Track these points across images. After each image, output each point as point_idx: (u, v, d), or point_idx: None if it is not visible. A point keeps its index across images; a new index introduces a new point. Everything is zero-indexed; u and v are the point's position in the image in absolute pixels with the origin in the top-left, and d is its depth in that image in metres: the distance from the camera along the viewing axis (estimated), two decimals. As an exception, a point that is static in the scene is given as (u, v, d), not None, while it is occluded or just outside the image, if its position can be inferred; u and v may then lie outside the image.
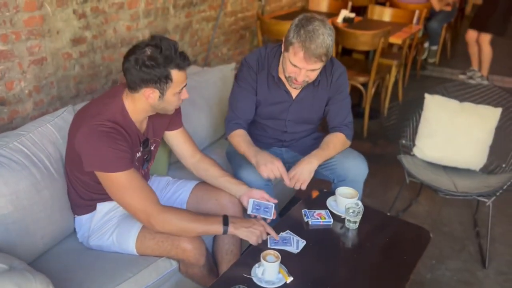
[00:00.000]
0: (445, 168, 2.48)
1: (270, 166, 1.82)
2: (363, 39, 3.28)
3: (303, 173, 1.83)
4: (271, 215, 1.73)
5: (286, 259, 1.51)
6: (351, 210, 1.70)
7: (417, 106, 2.58)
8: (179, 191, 1.93)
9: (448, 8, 4.91)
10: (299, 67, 1.78)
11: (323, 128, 2.16)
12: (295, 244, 1.61)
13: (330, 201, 1.84)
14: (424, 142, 2.48)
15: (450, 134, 2.41)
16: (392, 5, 4.63)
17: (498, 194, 2.24)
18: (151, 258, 1.68)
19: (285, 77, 1.90)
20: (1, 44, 2.04)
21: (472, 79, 4.45)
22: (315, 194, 1.90)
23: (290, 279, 1.45)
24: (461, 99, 2.52)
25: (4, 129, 2.10)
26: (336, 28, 3.38)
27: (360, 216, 1.70)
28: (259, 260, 1.46)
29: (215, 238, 1.85)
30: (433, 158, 2.48)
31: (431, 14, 4.86)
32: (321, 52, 1.73)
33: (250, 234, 1.57)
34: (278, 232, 1.64)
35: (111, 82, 2.70)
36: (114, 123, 1.54)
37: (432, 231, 1.74)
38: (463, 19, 6.75)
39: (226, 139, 2.08)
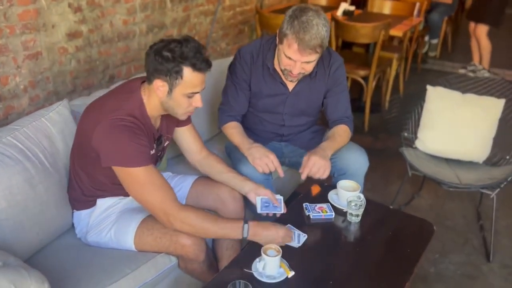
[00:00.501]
0: (448, 160, 2.45)
1: (264, 160, 1.81)
2: (364, 32, 3.25)
3: (320, 161, 1.76)
4: (281, 209, 1.70)
5: (288, 253, 1.48)
6: (353, 203, 1.67)
7: (418, 98, 2.55)
8: (179, 186, 1.90)
9: (449, 1, 4.87)
10: (294, 60, 1.74)
11: (323, 122, 2.13)
12: (297, 238, 1.58)
13: (331, 195, 1.81)
14: (426, 134, 2.44)
15: (453, 126, 2.37)
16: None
17: (502, 186, 2.21)
18: (150, 254, 1.65)
19: (281, 70, 1.87)
20: (-5, 38, 2.01)
21: (473, 73, 4.42)
22: (315, 190, 1.86)
23: (291, 274, 1.42)
24: (464, 90, 2.48)
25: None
26: (336, 21, 3.34)
27: (363, 209, 1.67)
28: (259, 255, 1.43)
29: (215, 233, 1.81)
30: (436, 150, 2.44)
31: (432, 6, 4.82)
32: (316, 43, 1.69)
33: (271, 240, 1.51)
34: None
35: (108, 77, 2.67)
36: (134, 118, 1.52)
37: (435, 225, 1.71)
38: (464, 12, 6.70)
39: (219, 128, 2.05)
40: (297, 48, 1.70)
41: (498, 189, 2.22)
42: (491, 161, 2.40)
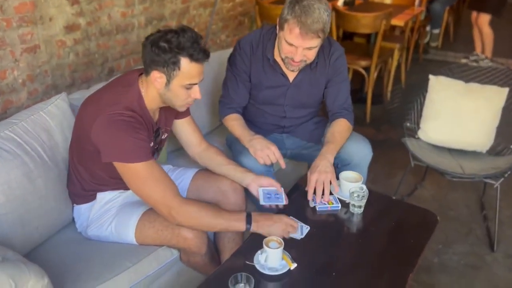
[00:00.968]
0: (451, 150, 2.42)
1: (266, 151, 1.79)
2: (365, 22, 3.21)
3: (321, 177, 1.68)
4: (283, 200, 1.68)
5: (290, 245, 1.46)
6: (355, 194, 1.65)
7: (420, 89, 2.52)
8: (180, 179, 1.88)
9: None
10: (296, 46, 1.71)
11: (324, 112, 2.10)
12: (299, 230, 1.56)
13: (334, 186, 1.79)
14: (429, 124, 2.42)
15: (456, 116, 2.35)
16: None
17: (506, 175, 2.18)
18: (151, 247, 1.64)
19: (282, 59, 1.84)
20: (-9, 31, 1.99)
21: (475, 63, 4.38)
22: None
23: (294, 266, 1.40)
24: (466, 80, 2.45)
25: (-2, 120, 2.05)
26: (337, 11, 3.31)
27: (365, 201, 1.65)
28: (261, 247, 1.41)
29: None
30: (439, 140, 2.42)
31: (433, -4, 4.77)
32: (318, 27, 1.66)
33: (274, 232, 1.50)
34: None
35: (107, 70, 2.64)
36: (132, 112, 1.49)
37: (438, 216, 1.69)
38: (466, 1, 6.64)
39: (220, 120, 2.03)
40: (299, 32, 1.67)
41: (502, 179, 2.20)
42: (494, 151, 2.38)
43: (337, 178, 1.78)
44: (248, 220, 1.51)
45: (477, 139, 2.35)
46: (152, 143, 1.64)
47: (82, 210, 1.71)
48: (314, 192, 1.69)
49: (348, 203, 1.69)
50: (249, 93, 1.99)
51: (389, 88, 3.93)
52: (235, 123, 1.94)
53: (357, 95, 3.94)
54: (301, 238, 1.53)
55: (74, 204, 1.73)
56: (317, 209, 1.68)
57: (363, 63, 3.38)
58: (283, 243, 1.42)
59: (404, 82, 4.17)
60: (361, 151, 1.93)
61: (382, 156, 2.99)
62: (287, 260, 1.42)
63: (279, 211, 1.67)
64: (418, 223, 1.68)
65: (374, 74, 3.43)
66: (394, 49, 3.67)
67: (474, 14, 4.38)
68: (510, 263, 2.23)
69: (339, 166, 1.98)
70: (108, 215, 1.67)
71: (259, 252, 1.43)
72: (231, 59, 1.98)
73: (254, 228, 1.51)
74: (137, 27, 2.78)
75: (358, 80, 3.88)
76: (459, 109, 2.34)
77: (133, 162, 1.45)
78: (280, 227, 1.50)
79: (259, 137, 1.85)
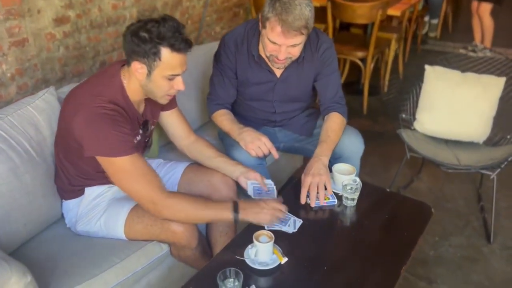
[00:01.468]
0: (447, 141, 2.39)
1: (257, 143, 1.76)
2: (361, 12, 3.16)
3: (315, 179, 1.64)
4: (274, 195, 1.66)
5: (282, 239, 1.44)
6: (348, 187, 1.62)
7: (418, 80, 2.48)
8: (170, 173, 1.86)
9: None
10: (279, 44, 1.67)
11: (316, 104, 2.07)
12: (292, 223, 1.54)
13: (326, 179, 1.76)
14: (424, 115, 2.38)
15: (452, 106, 2.31)
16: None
17: (502, 166, 2.15)
18: (140, 243, 1.62)
19: (266, 57, 1.80)
20: (-23, 24, 1.95)
21: (474, 53, 4.33)
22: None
23: (284, 260, 1.38)
24: (463, 69, 2.42)
25: (-14, 114, 2.02)
26: (332, 2, 3.26)
27: (358, 193, 1.63)
28: (252, 241, 1.39)
29: (208, 219, 1.77)
30: (435, 131, 2.39)
31: (432, -15, 4.71)
32: (300, 24, 1.61)
33: (262, 218, 1.48)
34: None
35: (98, 64, 2.60)
36: (115, 105, 1.46)
37: (434, 208, 1.66)
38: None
39: (209, 117, 2.00)
40: (281, 30, 1.62)
41: (499, 170, 2.17)
42: (491, 141, 2.35)
43: (330, 170, 1.75)
44: (235, 209, 1.48)
45: (474, 130, 2.32)
46: (139, 136, 1.61)
47: (70, 206, 1.68)
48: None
49: (341, 196, 1.66)
50: (236, 89, 1.95)
51: (386, 79, 3.89)
52: (223, 118, 1.91)
53: (354, 86, 3.90)
54: (293, 232, 1.51)
55: (63, 200, 1.70)
56: (314, 204, 1.64)
57: (360, 54, 3.33)
58: (273, 237, 1.39)
59: (402, 73, 4.13)
60: (353, 144, 1.90)
61: (379, 148, 2.96)
62: (277, 254, 1.39)
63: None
64: (412, 216, 1.66)
65: (370, 65, 3.38)
66: (391, 39, 3.62)
67: (474, 3, 4.33)
68: (507, 255, 2.20)
69: (330, 160, 1.94)
70: (97, 210, 1.65)
71: (249, 246, 1.41)
72: (216, 56, 1.94)
73: (241, 216, 1.48)
74: (129, 19, 2.73)
75: (355, 73, 3.84)
76: (455, 100, 2.31)
77: (116, 156, 1.42)
78: (268, 213, 1.48)
79: (249, 129, 1.82)
